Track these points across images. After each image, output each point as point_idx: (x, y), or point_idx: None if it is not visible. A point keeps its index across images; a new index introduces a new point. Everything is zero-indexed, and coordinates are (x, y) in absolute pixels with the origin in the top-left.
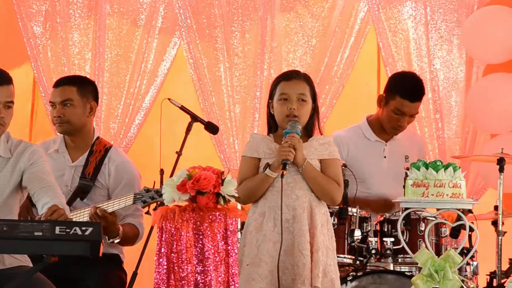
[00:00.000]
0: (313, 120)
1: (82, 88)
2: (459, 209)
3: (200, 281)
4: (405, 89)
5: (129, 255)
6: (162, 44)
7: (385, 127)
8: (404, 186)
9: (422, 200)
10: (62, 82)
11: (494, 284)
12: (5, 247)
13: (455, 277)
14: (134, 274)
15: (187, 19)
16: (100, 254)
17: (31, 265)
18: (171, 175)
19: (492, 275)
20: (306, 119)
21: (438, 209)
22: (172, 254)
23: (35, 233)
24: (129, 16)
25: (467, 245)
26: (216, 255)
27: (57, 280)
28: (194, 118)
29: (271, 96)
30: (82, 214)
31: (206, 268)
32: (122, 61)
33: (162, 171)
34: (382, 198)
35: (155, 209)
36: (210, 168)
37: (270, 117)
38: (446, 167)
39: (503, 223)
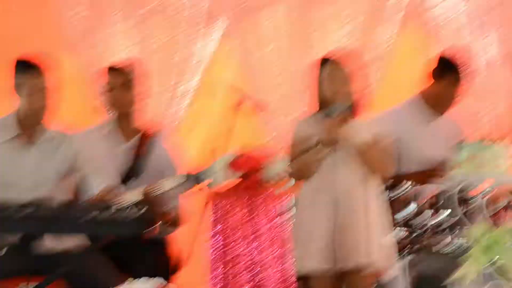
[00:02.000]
0: (362, 98)
1: (136, 70)
2: None
3: (255, 257)
4: None
5: (183, 234)
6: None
7: (441, 101)
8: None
9: (476, 172)
10: (117, 65)
11: None
12: (62, 228)
13: None
14: (188, 252)
15: None
16: (153, 235)
17: (88, 245)
18: (222, 155)
19: None
20: (354, 98)
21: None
22: (227, 232)
23: (91, 214)
24: None
25: None
26: (270, 232)
27: (113, 259)
28: (244, 97)
29: (319, 75)
30: (135, 195)
31: (260, 245)
32: (169, 43)
33: (213, 151)
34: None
35: (208, 187)
36: (262, 147)
37: (319, 96)
38: (497, 144)
39: None
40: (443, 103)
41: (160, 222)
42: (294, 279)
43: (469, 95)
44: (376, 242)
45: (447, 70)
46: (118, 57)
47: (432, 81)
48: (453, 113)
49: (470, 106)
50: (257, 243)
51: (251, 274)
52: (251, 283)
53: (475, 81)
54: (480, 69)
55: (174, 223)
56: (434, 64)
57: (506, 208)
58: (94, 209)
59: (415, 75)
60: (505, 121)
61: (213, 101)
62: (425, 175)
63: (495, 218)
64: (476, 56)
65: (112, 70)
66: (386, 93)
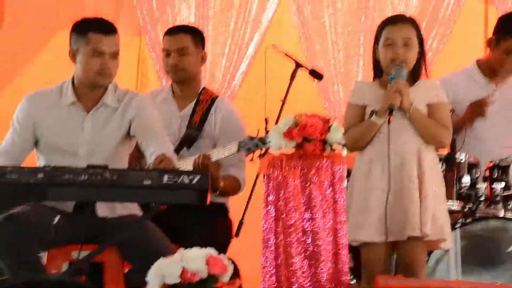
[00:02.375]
0: (420, 65)
1: (195, 36)
2: None
3: (308, 228)
4: None
5: (234, 204)
6: None
7: (497, 70)
8: None
9: None
10: (177, 30)
11: None
12: (115, 196)
13: None
14: (240, 223)
15: None
16: (208, 203)
17: (140, 213)
18: (276, 123)
19: None
20: (412, 64)
21: None
22: (280, 202)
23: (144, 182)
24: None
25: None
26: (324, 202)
27: (165, 228)
28: (299, 65)
29: (376, 41)
30: (188, 163)
31: (313, 216)
32: (225, 9)
33: (266, 120)
34: (491, 145)
35: (260, 156)
36: (317, 115)
37: (376, 63)
38: None
39: None
40: (497, 71)
41: (214, 191)
42: (347, 250)
43: None
44: (430, 213)
45: (501, 39)
46: (176, 22)
47: (489, 49)
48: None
49: None
50: (310, 214)
51: (303, 245)
52: (304, 253)
53: None
54: None
55: (227, 192)
56: (491, 33)
57: None
58: (147, 177)
59: (476, 43)
60: None
61: (269, 68)
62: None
63: None
64: None
65: (169, 35)
66: (446, 60)
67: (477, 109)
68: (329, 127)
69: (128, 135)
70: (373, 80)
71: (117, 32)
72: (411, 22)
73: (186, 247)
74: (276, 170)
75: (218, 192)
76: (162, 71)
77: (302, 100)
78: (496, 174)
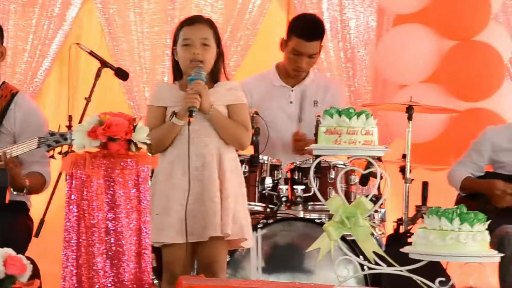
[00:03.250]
0: (219, 65)
1: None
2: (371, 157)
3: (111, 228)
4: (300, 28)
5: (35, 202)
6: None
7: (287, 69)
8: (315, 134)
9: (335, 147)
10: None
11: (401, 231)
12: None
13: (366, 223)
14: (42, 222)
15: None
16: (7, 201)
17: None
18: (80, 122)
19: (399, 222)
20: (211, 65)
21: (348, 157)
22: (83, 201)
23: None
24: None
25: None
26: (128, 202)
27: None
28: (104, 63)
29: (175, 42)
30: None
31: (117, 215)
32: (28, 4)
33: (70, 117)
34: (290, 144)
35: (62, 154)
36: (122, 114)
37: (175, 64)
38: (358, 114)
39: (410, 171)
40: (289, 73)
41: (20, 190)
42: (149, 250)
43: (330, 67)
44: (231, 214)
45: (290, 37)
46: None
47: (282, 50)
48: (314, 81)
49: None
50: (113, 213)
51: (106, 245)
52: (106, 253)
53: (336, 53)
54: (341, 42)
55: (34, 189)
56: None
57: (360, 181)
58: None
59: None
60: (365, 93)
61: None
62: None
63: (349, 191)
64: (337, 30)
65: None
66: (252, 63)
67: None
68: (135, 127)
69: None
70: (173, 81)
71: None
72: (208, 22)
73: None
74: (80, 169)
75: (25, 191)
76: None
77: (106, 99)
78: (296, 176)
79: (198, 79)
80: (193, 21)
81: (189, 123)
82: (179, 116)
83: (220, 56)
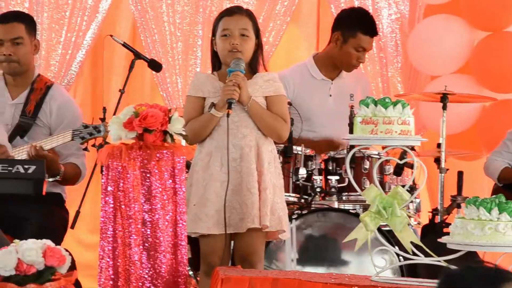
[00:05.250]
0: (257, 56)
1: (29, 25)
2: (407, 146)
3: (147, 219)
4: (366, 25)
5: (71, 194)
6: None
7: (344, 64)
8: (348, 125)
9: (371, 137)
10: (11, 18)
11: (436, 221)
12: None
13: (403, 214)
14: (77, 213)
15: None
16: (44, 193)
17: None
18: (114, 113)
19: (434, 212)
20: (249, 55)
21: (383, 147)
22: (119, 193)
23: None
24: None
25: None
26: (164, 194)
27: (0, 219)
28: (137, 55)
29: (214, 33)
30: (21, 152)
31: (153, 207)
32: None
33: (104, 109)
34: (327, 138)
35: (97, 146)
36: (157, 106)
37: (214, 55)
38: (395, 104)
39: (445, 161)
40: (338, 66)
41: (54, 175)
42: (185, 242)
43: None
44: (269, 205)
45: (352, 33)
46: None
47: (334, 45)
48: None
49: (363, 67)
50: (149, 205)
51: (142, 236)
52: (143, 245)
53: None
54: None
55: (68, 177)
56: (333, 27)
57: (395, 171)
58: None
59: (308, 38)
60: (397, 83)
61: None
62: (316, 142)
63: (383, 182)
64: None
65: (1, 24)
66: (283, 52)
67: None
68: (170, 118)
69: None
70: (212, 72)
71: None
72: (247, 13)
73: (21, 238)
74: (116, 161)
75: (59, 176)
76: None
77: (140, 90)
78: (330, 166)
79: (237, 70)
80: (232, 12)
81: (228, 114)
82: (218, 108)
83: (259, 47)
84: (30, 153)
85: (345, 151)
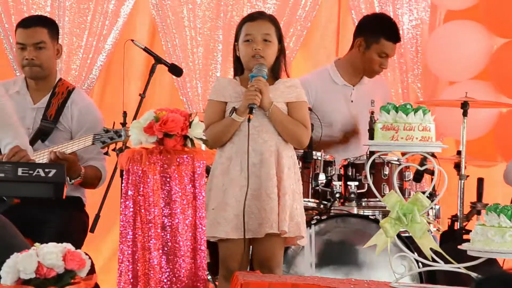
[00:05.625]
0: (280, 61)
1: (52, 29)
2: (427, 153)
3: (167, 223)
4: (390, 31)
5: (91, 198)
6: None
7: (366, 70)
8: (368, 131)
9: (391, 143)
10: (33, 23)
11: (456, 227)
12: None
13: (423, 220)
14: (97, 217)
15: None
16: (64, 197)
17: None
18: (135, 118)
19: (454, 218)
20: (272, 60)
21: (403, 153)
22: (139, 197)
23: None
24: None
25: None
26: (183, 198)
27: (20, 222)
28: (158, 59)
29: (236, 38)
30: (42, 156)
31: (173, 211)
32: (83, 1)
33: (125, 113)
34: (347, 144)
35: (117, 150)
36: (178, 110)
37: (237, 60)
38: (416, 110)
39: (465, 167)
40: (360, 72)
41: (75, 177)
42: (205, 246)
43: None
44: (288, 211)
45: (376, 39)
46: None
47: (356, 50)
48: (370, 80)
49: (383, 73)
50: (169, 209)
51: (162, 240)
52: (162, 249)
53: None
54: None
55: (88, 180)
56: (355, 33)
57: (414, 177)
58: (0, 170)
59: (329, 44)
60: (416, 90)
61: (128, 61)
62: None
63: (403, 188)
64: None
65: (24, 28)
66: (304, 58)
67: None
68: (190, 123)
69: None
70: (234, 77)
71: None
72: (270, 18)
73: (41, 242)
74: (136, 165)
75: (79, 178)
76: (16, 63)
77: (160, 95)
78: (350, 172)
79: (259, 76)
80: (255, 17)
81: (249, 119)
82: (239, 113)
83: (281, 52)
84: (50, 159)
85: (364, 157)
